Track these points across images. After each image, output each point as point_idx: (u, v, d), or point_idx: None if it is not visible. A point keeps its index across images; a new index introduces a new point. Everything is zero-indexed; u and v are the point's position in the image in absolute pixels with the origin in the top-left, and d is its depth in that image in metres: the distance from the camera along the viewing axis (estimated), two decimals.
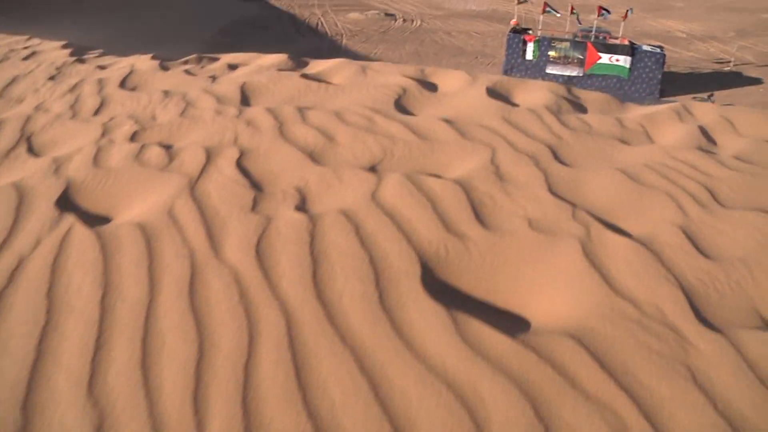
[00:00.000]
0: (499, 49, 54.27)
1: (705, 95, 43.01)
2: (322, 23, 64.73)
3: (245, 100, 12.95)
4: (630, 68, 45.18)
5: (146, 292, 8.27)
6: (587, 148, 10.49)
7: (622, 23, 47.64)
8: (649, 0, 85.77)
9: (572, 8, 47.67)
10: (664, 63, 45.51)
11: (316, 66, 14.76)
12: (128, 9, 70.90)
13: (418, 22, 64.09)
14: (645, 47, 46.47)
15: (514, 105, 12.21)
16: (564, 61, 46.60)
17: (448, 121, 11.17)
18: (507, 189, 9.37)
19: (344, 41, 58.01)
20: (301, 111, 11.91)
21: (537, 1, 57.80)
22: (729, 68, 52.72)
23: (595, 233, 8.52)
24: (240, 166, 10.59)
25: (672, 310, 7.49)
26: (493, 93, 12.41)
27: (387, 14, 66.21)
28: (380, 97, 12.25)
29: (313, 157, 10.55)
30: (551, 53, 47.02)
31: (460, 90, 12.64)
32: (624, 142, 10.83)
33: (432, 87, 13.13)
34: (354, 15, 65.22)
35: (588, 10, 68.67)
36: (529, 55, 47.83)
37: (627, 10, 45.57)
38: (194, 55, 16.67)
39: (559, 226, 8.70)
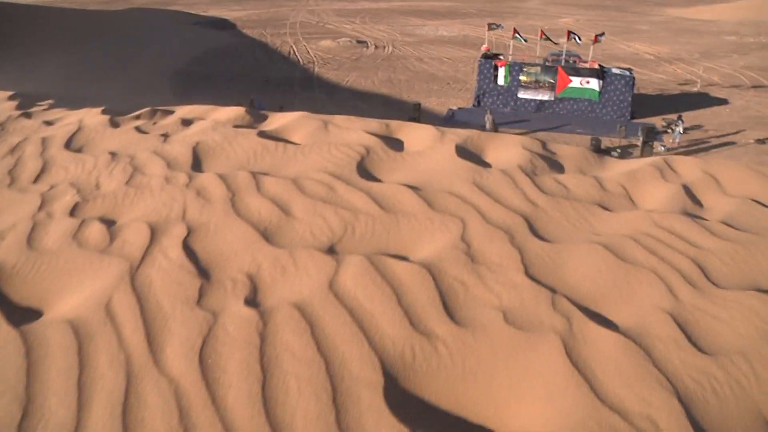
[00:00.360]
0: (470, 74, 53.85)
1: (674, 117, 42.79)
2: (294, 51, 64.02)
3: (197, 164, 11.88)
4: (600, 91, 44.88)
5: (74, 413, 7.17)
6: (566, 216, 9.57)
7: (592, 47, 47.42)
8: (616, 23, 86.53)
9: (542, 33, 47.44)
10: (633, 85, 45.35)
11: (275, 121, 13.73)
12: (104, 40, 69.79)
13: (390, 49, 63.62)
14: (615, 70, 46.25)
15: (486, 165, 11.27)
16: (535, 85, 46.27)
17: (414, 188, 10.21)
18: (479, 272, 8.40)
19: (316, 69, 57.27)
20: (256, 177, 10.88)
21: (507, 26, 57.46)
22: (696, 89, 52.83)
23: (578, 327, 7.57)
24: (187, 247, 9.52)
25: (667, 423, 6.55)
26: (462, 152, 11.47)
27: (359, 41, 65.68)
28: (342, 159, 11.26)
29: (267, 235, 9.52)
30: (522, 78, 46.68)
31: (428, 148, 11.69)
32: (605, 207, 9.93)
33: (397, 145, 12.16)
34: (326, 43, 64.63)
35: (557, 35, 68.68)
36: (500, 81, 47.46)
37: (596, 35, 45.36)
38: (147, 109, 15.58)
39: (537, 317, 7.74)
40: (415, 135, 12.27)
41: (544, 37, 47.16)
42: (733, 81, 54.93)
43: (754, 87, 53.00)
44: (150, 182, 11.33)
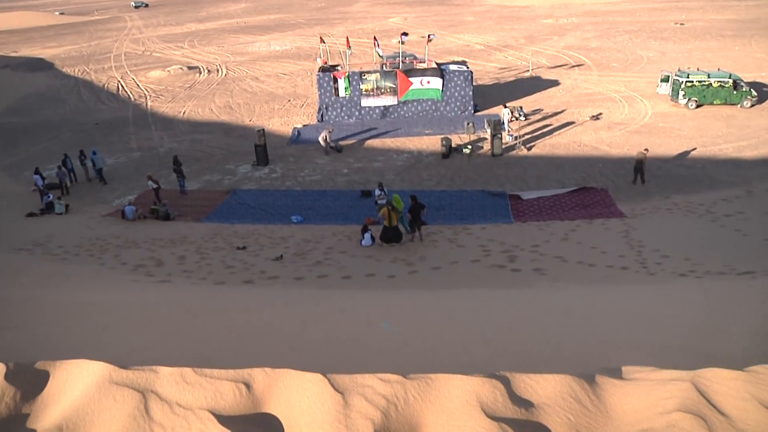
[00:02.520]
0: (310, 87, 48.04)
1: (515, 105, 39.88)
2: (123, 87, 54.54)
3: None
4: (442, 89, 40.76)
5: None
6: None
7: (426, 47, 43.29)
8: (443, 17, 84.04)
9: (375, 39, 42.51)
10: (472, 79, 41.60)
11: (60, 395, 5.29)
12: None
13: (224, 72, 55.92)
14: (452, 67, 42.38)
15: None
16: (378, 92, 41.39)
17: None
18: None
19: (150, 103, 48.66)
20: None
21: (338, 33, 52.00)
22: (528, 74, 50.54)
23: None
24: None
25: None
26: None
27: (190, 67, 57.25)
28: None
29: None
30: (363, 86, 41.57)
31: None
32: None
33: None
34: (156, 73, 55.64)
35: (390, 35, 64.34)
36: (341, 92, 42.04)
37: (429, 35, 41.08)
38: None
39: None
40: (300, 410, 4.89)
41: (377, 43, 42.29)
42: (558, 62, 53.33)
43: (578, 66, 51.64)
44: None
